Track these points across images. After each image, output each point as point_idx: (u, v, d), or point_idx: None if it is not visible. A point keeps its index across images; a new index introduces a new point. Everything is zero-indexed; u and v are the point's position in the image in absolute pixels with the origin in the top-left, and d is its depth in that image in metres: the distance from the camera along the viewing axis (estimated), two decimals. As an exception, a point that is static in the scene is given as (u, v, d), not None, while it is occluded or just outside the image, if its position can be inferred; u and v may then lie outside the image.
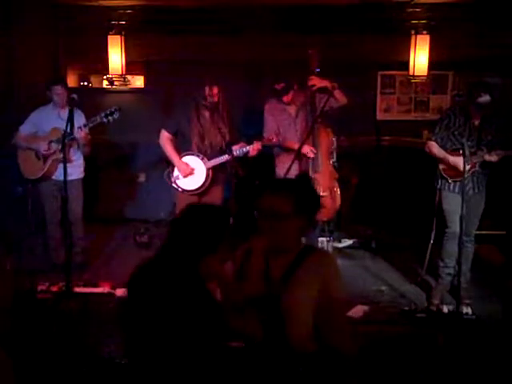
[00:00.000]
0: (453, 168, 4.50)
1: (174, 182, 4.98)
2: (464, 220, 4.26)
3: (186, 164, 4.92)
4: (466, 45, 6.45)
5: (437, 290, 4.70)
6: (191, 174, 4.92)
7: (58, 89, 5.07)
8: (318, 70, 4.90)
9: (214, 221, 2.33)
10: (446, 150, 4.56)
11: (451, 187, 4.59)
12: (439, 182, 4.67)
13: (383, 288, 5.03)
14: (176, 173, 4.96)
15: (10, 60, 5.99)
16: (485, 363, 3.52)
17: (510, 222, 5.95)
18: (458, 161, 4.35)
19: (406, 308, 4.40)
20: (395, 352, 3.61)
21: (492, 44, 6.40)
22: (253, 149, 4.83)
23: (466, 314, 4.24)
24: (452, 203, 4.54)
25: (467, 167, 4.26)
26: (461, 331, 4.07)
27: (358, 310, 4.47)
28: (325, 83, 4.84)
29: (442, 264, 4.65)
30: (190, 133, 4.89)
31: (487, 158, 4.43)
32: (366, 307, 4.53)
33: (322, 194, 4.94)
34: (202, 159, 4.90)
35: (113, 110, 4.87)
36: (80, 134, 4.90)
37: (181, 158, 4.94)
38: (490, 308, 4.49)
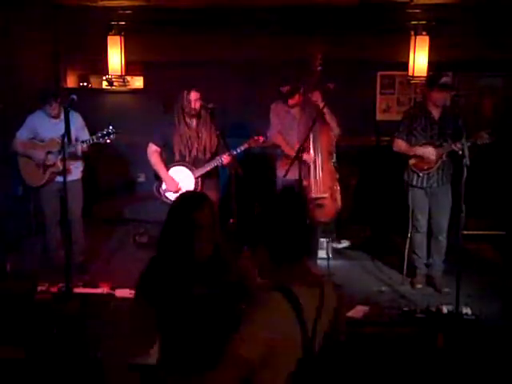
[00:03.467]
0: (422, 159, 4.83)
1: (164, 196, 4.90)
2: (432, 214, 4.86)
3: (173, 179, 4.82)
4: (466, 45, 6.44)
5: (418, 276, 5.09)
6: (179, 190, 4.81)
7: (50, 106, 5.05)
8: (320, 68, 4.90)
9: None
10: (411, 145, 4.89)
11: (418, 182, 4.89)
12: (409, 177, 4.94)
13: (383, 289, 5.04)
14: (164, 186, 4.88)
15: (10, 60, 5.98)
16: (485, 363, 3.52)
17: (509, 223, 5.95)
18: (427, 150, 4.78)
19: (406, 308, 4.40)
20: (395, 352, 3.61)
21: (491, 44, 6.40)
22: (224, 158, 4.71)
23: (466, 314, 4.24)
24: (415, 199, 4.92)
25: (433, 156, 4.75)
26: (460, 331, 4.07)
27: (358, 311, 4.48)
28: (318, 103, 4.83)
29: (415, 257, 5.07)
30: (174, 141, 4.78)
31: (454, 147, 4.65)
32: (365, 308, 4.53)
33: (322, 194, 4.95)
34: (190, 169, 4.82)
35: (110, 130, 4.87)
36: (78, 150, 4.97)
37: (168, 169, 4.85)
38: (490, 308, 4.49)
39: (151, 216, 6.73)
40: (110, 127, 4.88)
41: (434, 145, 4.79)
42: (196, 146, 4.80)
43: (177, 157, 4.82)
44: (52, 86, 6.13)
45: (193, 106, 4.67)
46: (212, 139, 4.81)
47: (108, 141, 4.89)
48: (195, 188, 4.81)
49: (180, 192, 4.75)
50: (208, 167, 4.80)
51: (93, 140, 4.93)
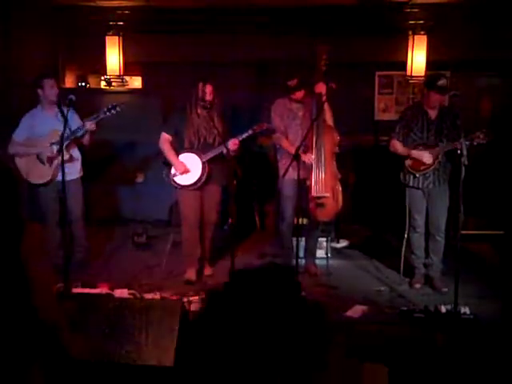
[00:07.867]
0: (418, 160, 4.83)
1: (172, 180, 5.08)
2: (430, 214, 4.87)
3: (181, 162, 5.02)
4: (464, 45, 6.45)
5: (416, 276, 5.10)
6: (187, 171, 5.02)
7: (50, 82, 5.04)
8: (324, 68, 4.93)
9: None
10: (407, 146, 4.88)
11: (415, 182, 4.89)
12: (405, 178, 4.93)
13: (382, 288, 5.04)
14: (173, 171, 5.06)
15: (8, 60, 5.97)
16: (484, 363, 3.52)
17: (508, 222, 5.96)
18: (421, 154, 4.78)
19: (405, 308, 4.40)
20: (394, 352, 3.61)
21: (490, 44, 6.41)
22: (231, 143, 4.86)
23: (465, 313, 4.24)
24: (413, 199, 4.94)
25: (430, 160, 4.74)
26: (459, 331, 4.07)
27: (356, 310, 4.48)
28: (322, 94, 4.88)
29: (414, 257, 5.08)
30: (185, 130, 5.00)
31: (451, 146, 4.63)
32: (364, 307, 4.53)
33: (324, 194, 4.95)
34: (198, 154, 5.01)
35: (114, 104, 4.99)
36: (90, 125, 4.99)
37: (178, 155, 5.05)
38: (489, 308, 4.49)
39: (149, 216, 6.75)
40: (116, 103, 5.00)
41: (430, 146, 4.79)
42: (205, 135, 5.01)
43: (186, 144, 5.02)
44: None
45: (207, 97, 4.89)
46: (220, 129, 4.95)
47: (114, 112, 4.97)
48: (202, 173, 4.98)
49: (187, 173, 4.98)
50: (215, 152, 4.97)
51: (98, 116, 5.00)
